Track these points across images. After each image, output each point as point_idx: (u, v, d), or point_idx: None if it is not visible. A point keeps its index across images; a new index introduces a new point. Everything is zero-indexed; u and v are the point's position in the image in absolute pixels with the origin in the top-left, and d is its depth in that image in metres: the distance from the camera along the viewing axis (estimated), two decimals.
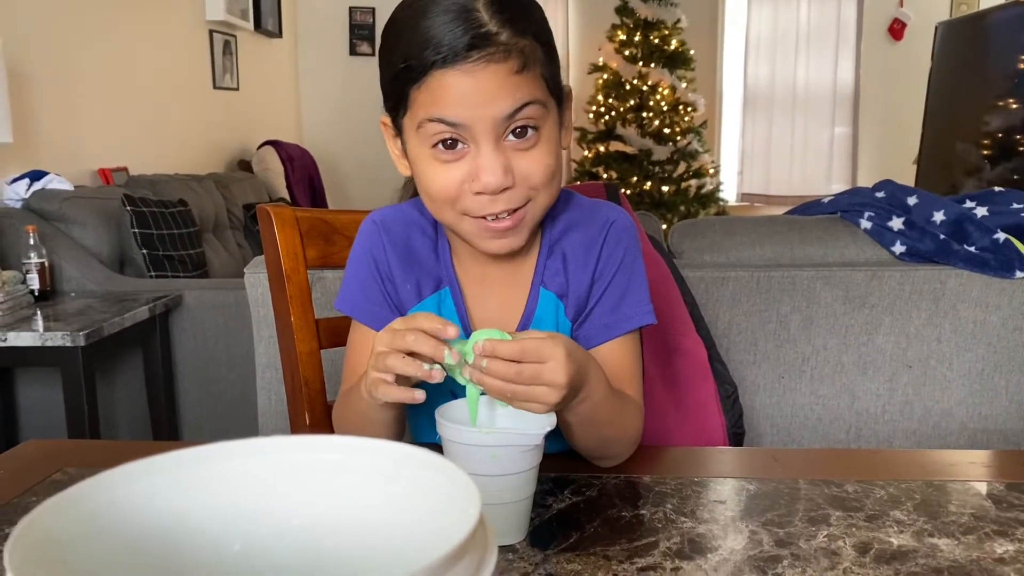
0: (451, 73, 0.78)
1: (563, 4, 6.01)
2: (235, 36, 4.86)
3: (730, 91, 6.40)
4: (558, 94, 0.86)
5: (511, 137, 0.81)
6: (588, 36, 5.98)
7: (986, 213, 1.86)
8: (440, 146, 0.82)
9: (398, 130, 0.87)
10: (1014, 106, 3.78)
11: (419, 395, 0.72)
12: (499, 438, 0.69)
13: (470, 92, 0.79)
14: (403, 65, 0.81)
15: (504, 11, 0.79)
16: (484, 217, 0.83)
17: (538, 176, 0.83)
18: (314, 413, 1.10)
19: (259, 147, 4.89)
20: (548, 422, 0.72)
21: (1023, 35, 3.68)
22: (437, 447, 0.64)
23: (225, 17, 4.57)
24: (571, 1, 6.07)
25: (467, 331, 0.90)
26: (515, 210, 0.84)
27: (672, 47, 5.59)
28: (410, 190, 1.00)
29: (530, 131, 0.82)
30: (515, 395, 0.71)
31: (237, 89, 4.93)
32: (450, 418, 0.72)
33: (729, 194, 6.25)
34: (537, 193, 0.84)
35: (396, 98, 0.84)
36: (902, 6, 6.12)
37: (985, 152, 4.01)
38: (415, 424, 0.99)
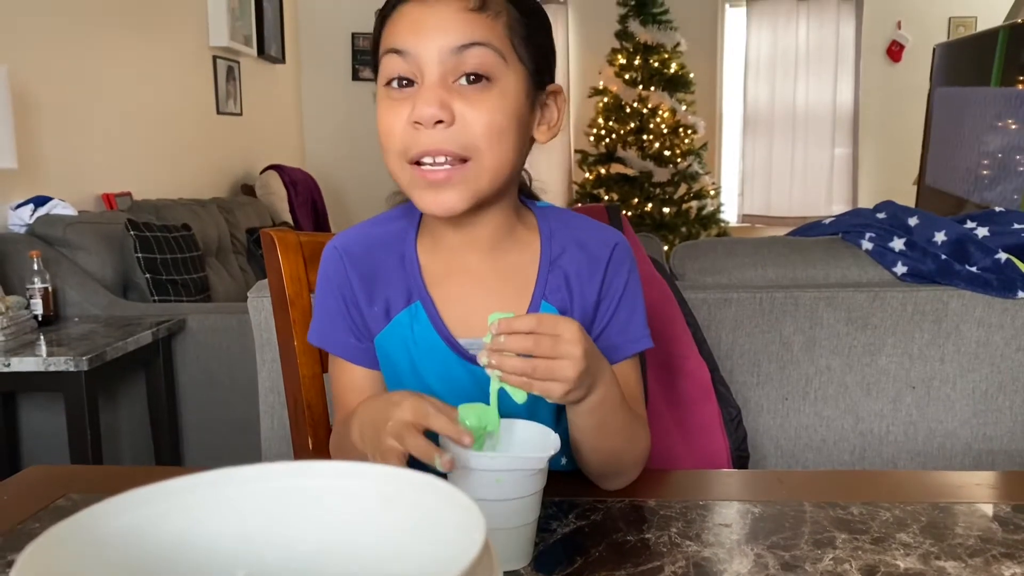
0: (410, 5, 0.82)
1: (563, 28, 6.05)
2: (238, 62, 4.90)
3: (730, 113, 6.43)
4: (536, 71, 0.85)
5: (463, 82, 0.81)
6: (588, 60, 6.03)
7: (987, 233, 1.86)
8: (394, 84, 0.82)
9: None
10: (1013, 126, 3.79)
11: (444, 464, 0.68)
12: (503, 462, 0.69)
13: (421, 20, 0.81)
14: (381, 8, 0.85)
15: None
16: (421, 164, 0.82)
17: (479, 126, 0.80)
18: (317, 437, 1.10)
19: (262, 171, 4.91)
20: (552, 445, 0.72)
21: (1020, 56, 3.70)
22: (438, 472, 0.64)
23: (228, 43, 4.61)
24: (571, 25, 6.12)
25: (447, 341, 0.88)
26: (455, 162, 0.81)
27: (672, 70, 5.63)
28: (400, 199, 0.98)
29: (483, 80, 0.81)
30: (535, 370, 0.71)
31: (240, 114, 4.96)
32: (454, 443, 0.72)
33: (730, 215, 6.26)
34: (478, 150, 0.81)
35: (375, 49, 0.86)
36: (900, 28, 6.16)
37: (985, 172, 4.02)
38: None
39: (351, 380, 0.92)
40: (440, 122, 0.79)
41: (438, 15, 0.80)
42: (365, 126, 5.90)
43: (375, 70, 0.87)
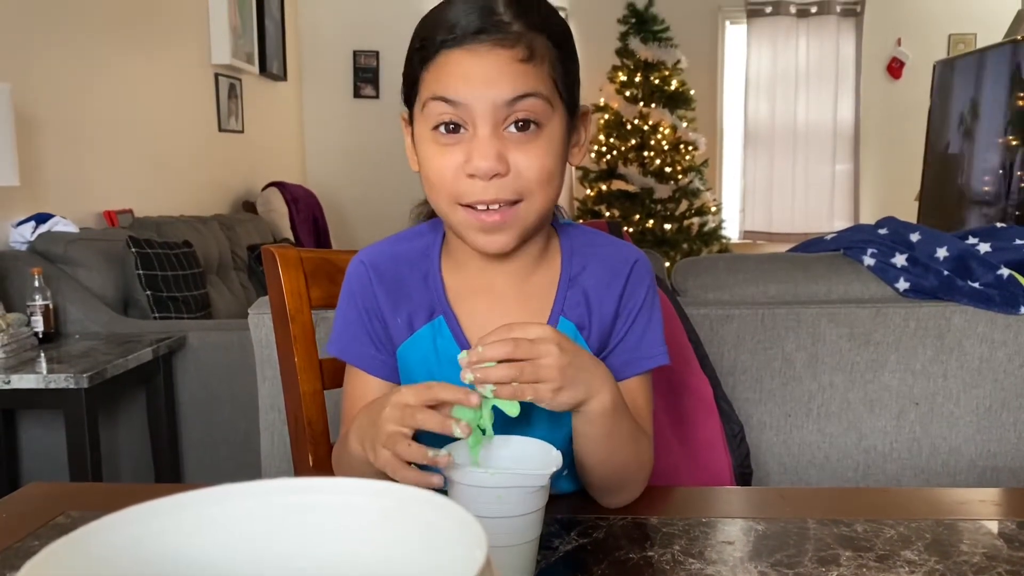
0: (457, 53, 0.81)
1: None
2: (240, 79, 4.92)
3: (731, 129, 6.44)
4: (571, 103, 0.87)
5: (512, 129, 0.82)
6: (589, 77, 6.03)
7: (989, 249, 1.86)
8: (441, 129, 0.83)
9: (412, 122, 0.89)
10: (1014, 143, 3.80)
11: (436, 480, 0.70)
12: (505, 479, 0.68)
13: (473, 72, 0.81)
14: (418, 47, 0.84)
15: (521, 6, 0.83)
16: (475, 208, 0.83)
17: (532, 172, 0.83)
18: (317, 454, 1.09)
19: (263, 188, 4.92)
20: (554, 462, 0.71)
21: (1020, 72, 3.71)
22: (439, 489, 0.64)
23: (231, 61, 4.63)
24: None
25: None
26: (506, 206, 0.83)
27: (672, 87, 5.66)
28: (423, 211, 1.01)
29: (532, 126, 0.82)
30: (521, 372, 0.72)
31: (242, 132, 4.98)
32: (455, 459, 0.72)
33: (731, 232, 6.26)
34: (531, 193, 0.84)
35: (410, 83, 0.87)
36: (900, 45, 6.19)
37: (986, 188, 4.02)
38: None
39: (366, 392, 0.93)
40: (496, 174, 0.81)
41: (489, 66, 0.81)
42: (366, 143, 5.92)
43: (407, 101, 0.89)
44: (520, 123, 0.82)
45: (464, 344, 0.90)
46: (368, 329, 0.93)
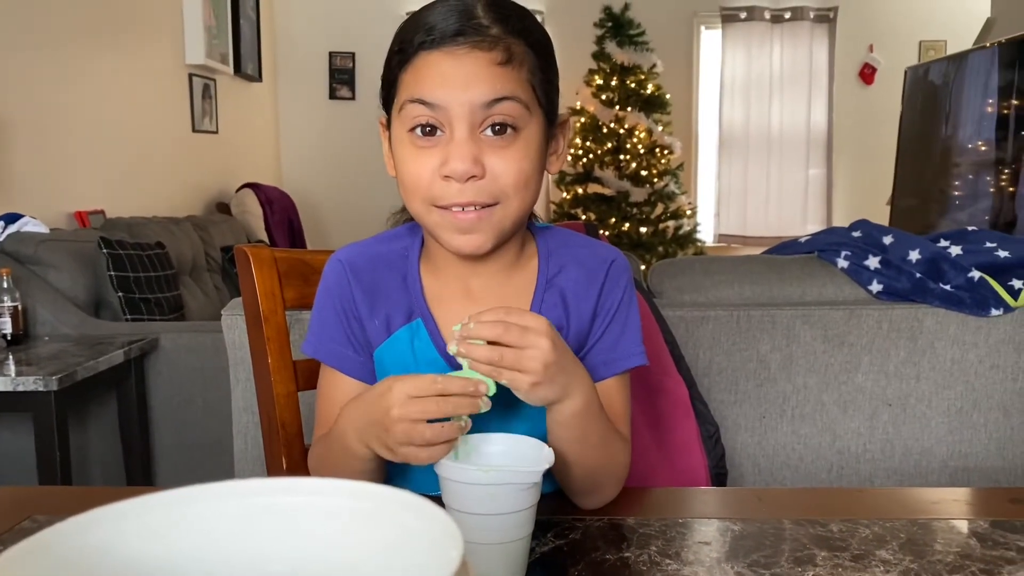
0: (435, 54, 0.81)
1: None
2: (215, 80, 4.88)
3: (706, 134, 6.48)
4: (549, 110, 0.87)
5: (489, 132, 0.82)
6: (566, 80, 5.99)
7: (960, 252, 1.88)
8: (418, 131, 0.83)
9: (390, 125, 0.88)
10: (983, 148, 3.85)
11: (465, 422, 0.73)
12: (497, 476, 0.68)
13: (450, 73, 0.80)
14: (397, 49, 0.84)
15: (501, 11, 0.83)
16: (450, 208, 0.83)
17: (509, 176, 0.82)
18: (291, 457, 1.08)
19: (238, 190, 4.88)
20: (546, 458, 0.71)
21: (989, 79, 3.76)
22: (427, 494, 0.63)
23: (205, 61, 4.59)
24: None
25: (446, 358, 0.89)
26: (482, 207, 0.83)
27: (648, 91, 5.68)
28: (400, 219, 1.00)
29: (509, 130, 0.82)
30: (502, 357, 0.73)
31: (216, 132, 4.94)
32: (448, 456, 0.71)
33: (706, 235, 6.29)
34: (507, 197, 0.83)
35: (388, 86, 0.86)
36: (872, 51, 6.26)
37: (957, 193, 4.07)
38: (398, 468, 0.97)
39: (343, 393, 0.92)
40: (472, 176, 0.81)
41: (467, 68, 0.80)
42: (342, 145, 5.90)
43: (385, 105, 0.88)
44: (497, 127, 0.82)
45: (442, 347, 0.90)
46: (345, 329, 0.92)
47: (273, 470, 1.10)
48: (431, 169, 0.82)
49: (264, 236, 4.70)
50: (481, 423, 0.74)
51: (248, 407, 1.66)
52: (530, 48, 0.84)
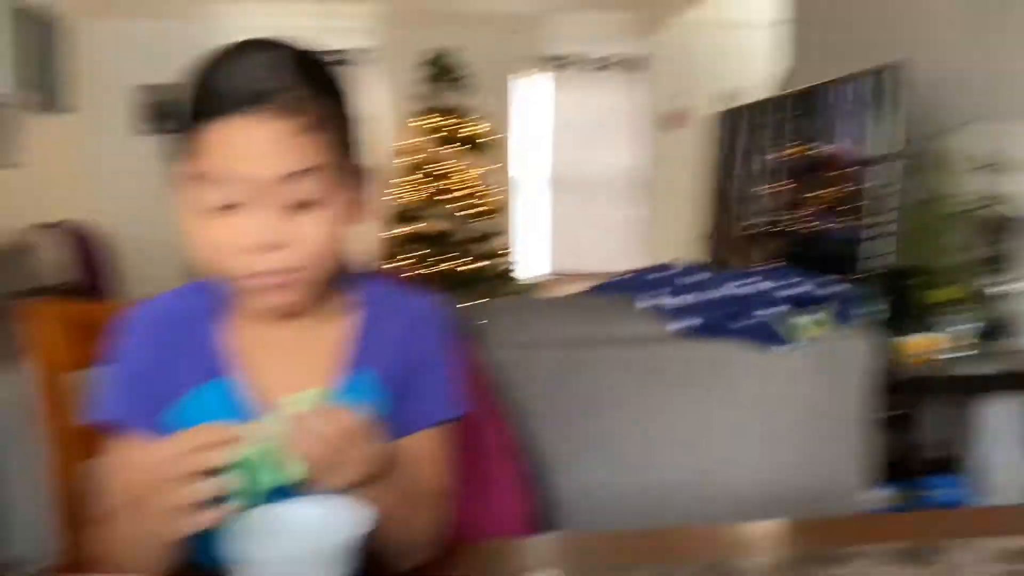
0: (231, 125, 0.75)
1: (367, 88, 6.07)
2: (16, 111, 4.55)
3: (530, 174, 6.68)
4: (352, 166, 0.84)
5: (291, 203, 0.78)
6: (390, 121, 6.07)
7: (767, 287, 1.98)
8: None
9: (182, 177, 0.82)
10: (782, 188, 4.14)
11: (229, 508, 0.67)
12: (292, 549, 0.62)
13: (243, 147, 0.75)
14: (191, 109, 0.78)
15: (298, 70, 0.78)
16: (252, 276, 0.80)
17: (311, 246, 0.79)
18: (76, 527, 0.99)
19: (35, 228, 4.55)
20: (361, 522, 0.66)
21: (787, 123, 4.06)
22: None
23: (7, 90, 4.29)
24: (375, 84, 6.14)
25: (256, 415, 0.83)
26: (287, 273, 0.80)
27: (472, 132, 5.83)
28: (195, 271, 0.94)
29: (314, 203, 0.79)
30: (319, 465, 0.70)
31: (15, 167, 4.60)
32: (246, 533, 0.64)
33: (528, 273, 6.45)
34: (311, 263, 0.80)
35: (183, 137, 0.80)
36: (683, 98, 6.65)
37: (762, 230, 4.35)
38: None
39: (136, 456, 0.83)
40: (273, 248, 0.78)
41: (260, 140, 0.75)
42: (149, 181, 5.62)
43: (177, 149, 0.81)
44: (303, 201, 0.78)
45: (247, 403, 0.84)
46: (137, 389, 0.85)
47: (58, 540, 1.02)
48: (227, 241, 0.78)
49: (66, 277, 4.40)
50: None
51: (28, 474, 1.51)
52: (330, 105, 0.80)
